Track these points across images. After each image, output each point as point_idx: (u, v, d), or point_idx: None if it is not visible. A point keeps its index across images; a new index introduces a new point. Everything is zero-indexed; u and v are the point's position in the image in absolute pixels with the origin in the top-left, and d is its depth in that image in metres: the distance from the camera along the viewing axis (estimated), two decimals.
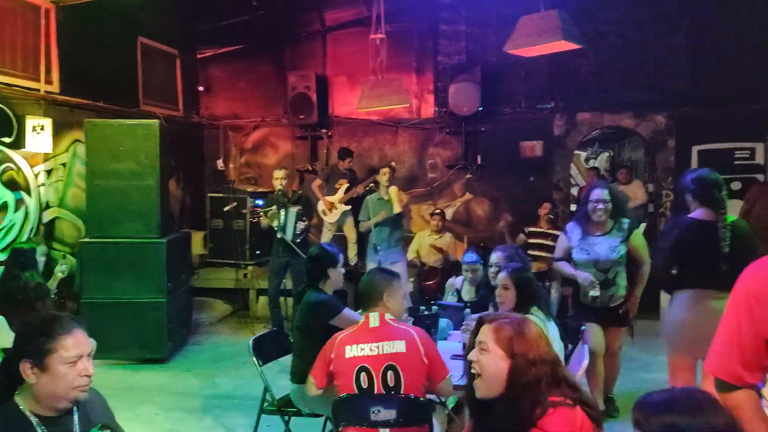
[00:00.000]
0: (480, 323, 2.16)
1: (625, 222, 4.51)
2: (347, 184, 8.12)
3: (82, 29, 7.00)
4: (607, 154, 13.81)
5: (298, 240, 6.90)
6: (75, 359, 2.08)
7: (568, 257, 4.64)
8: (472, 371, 2.10)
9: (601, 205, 4.42)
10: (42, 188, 6.60)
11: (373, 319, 3.14)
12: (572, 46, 5.18)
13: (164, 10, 8.55)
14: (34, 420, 2.08)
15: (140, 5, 7.49)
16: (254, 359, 3.97)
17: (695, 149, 8.38)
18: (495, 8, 8.52)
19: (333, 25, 9.26)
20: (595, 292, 4.42)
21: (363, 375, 3.01)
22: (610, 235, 4.48)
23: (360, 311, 3.30)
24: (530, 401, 1.97)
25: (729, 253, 3.66)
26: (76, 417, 2.19)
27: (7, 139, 6.09)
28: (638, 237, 4.55)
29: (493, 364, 2.04)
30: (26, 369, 2.06)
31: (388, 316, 3.16)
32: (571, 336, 4.23)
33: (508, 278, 3.62)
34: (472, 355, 2.10)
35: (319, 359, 3.21)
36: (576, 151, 10.72)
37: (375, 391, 2.98)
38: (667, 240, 3.93)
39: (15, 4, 6.18)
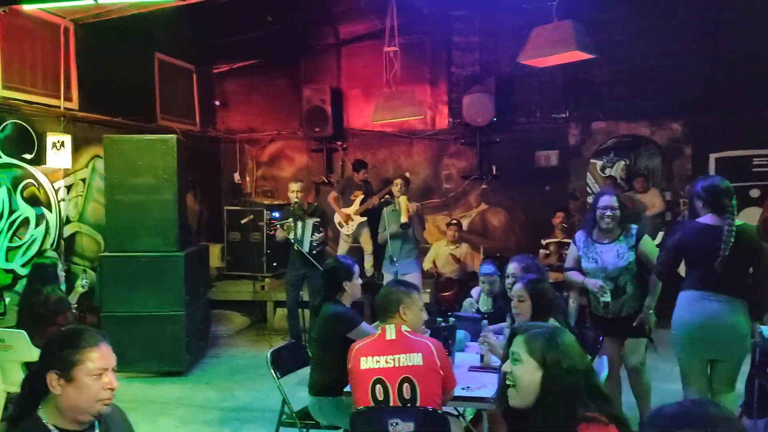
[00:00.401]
0: (513, 334, 2.17)
1: (633, 228, 4.43)
2: (362, 196, 8.14)
3: (100, 47, 7.11)
4: (623, 162, 13.72)
5: (315, 252, 6.92)
6: (100, 372, 2.10)
7: (578, 266, 4.55)
8: (507, 382, 2.10)
9: (609, 212, 4.34)
10: (62, 203, 6.69)
11: (390, 331, 3.14)
12: (585, 56, 5.20)
13: (180, 26, 8.67)
14: None
15: (157, 22, 7.59)
16: (272, 371, 3.98)
17: (712, 156, 8.32)
18: (508, 19, 8.56)
19: (347, 38, 9.34)
20: (606, 298, 4.30)
21: (378, 387, 3.01)
22: (617, 242, 4.39)
23: (377, 323, 3.30)
24: (565, 411, 1.97)
25: (728, 258, 3.77)
26: (97, 431, 2.21)
27: (28, 156, 6.19)
28: (648, 243, 4.43)
29: (526, 375, 2.05)
30: (53, 380, 2.08)
31: (404, 328, 3.16)
32: (590, 347, 4.21)
33: (524, 289, 3.61)
34: (506, 366, 2.11)
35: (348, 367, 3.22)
36: (592, 160, 10.68)
37: (391, 404, 2.98)
38: (671, 239, 4.15)
39: (35, 23, 6.30)
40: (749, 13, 7.97)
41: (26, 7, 5.54)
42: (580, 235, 4.56)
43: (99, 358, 2.12)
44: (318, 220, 7.04)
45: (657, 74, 8.39)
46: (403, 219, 6.88)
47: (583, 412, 1.95)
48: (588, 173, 10.52)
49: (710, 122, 8.28)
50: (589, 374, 2.07)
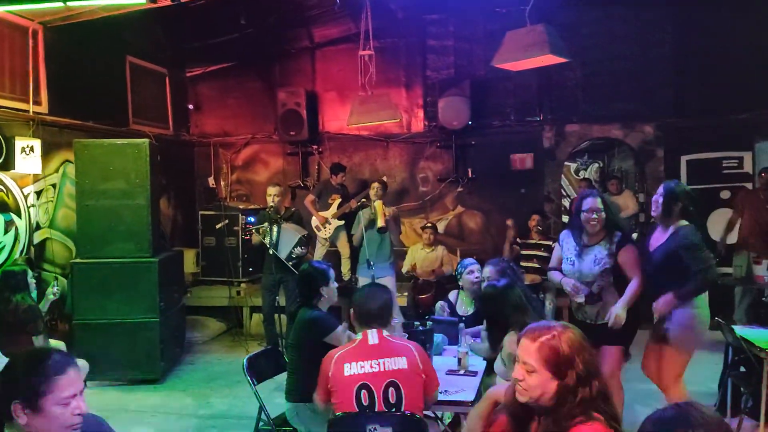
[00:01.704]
0: (520, 336, 2.15)
1: (618, 236, 4.27)
2: (340, 200, 8.12)
3: (70, 49, 6.99)
4: (597, 164, 13.89)
5: (290, 263, 6.83)
6: (69, 399, 2.02)
7: (560, 266, 4.49)
8: (518, 386, 2.09)
9: (594, 215, 4.22)
10: (32, 209, 6.56)
11: (372, 336, 3.10)
12: (559, 59, 5.24)
13: (152, 29, 8.56)
14: None
15: (128, 25, 7.49)
16: (248, 378, 3.94)
17: (684, 159, 8.46)
18: (482, 23, 8.62)
19: (321, 41, 9.31)
20: (579, 299, 4.25)
21: (364, 392, 2.98)
22: (598, 246, 4.26)
23: (356, 327, 3.24)
24: (576, 415, 1.99)
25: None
26: None
27: None
28: (626, 251, 4.24)
29: (540, 386, 2.04)
30: (17, 410, 1.99)
31: (385, 333, 3.14)
32: None
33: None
34: (518, 374, 2.08)
35: (320, 376, 3.18)
36: (566, 163, 10.78)
37: (376, 408, 2.96)
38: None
39: (2, 25, 6.17)
40: (721, 17, 8.13)
41: None
42: (565, 236, 4.48)
43: (67, 385, 2.02)
44: (305, 233, 6.96)
45: (629, 77, 8.51)
46: (380, 224, 6.89)
47: (591, 413, 1.98)
48: (562, 175, 10.63)
49: (682, 125, 8.42)
50: (597, 374, 2.06)
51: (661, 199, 4.21)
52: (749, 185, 8.06)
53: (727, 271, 7.63)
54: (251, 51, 9.18)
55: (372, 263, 6.74)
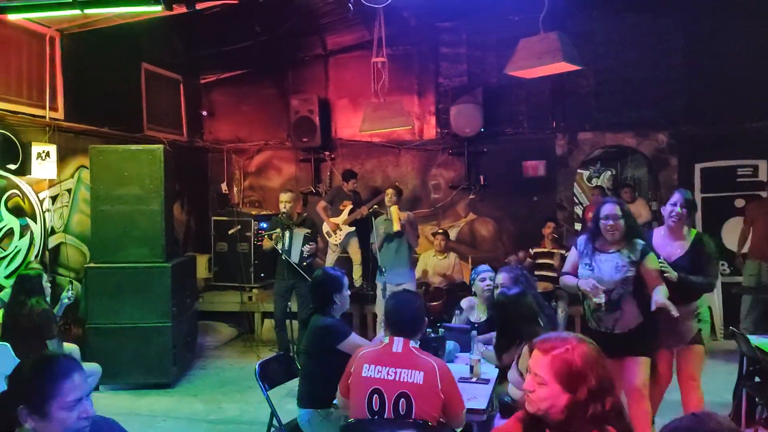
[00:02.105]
0: (531, 347, 2.13)
1: (640, 243, 4.09)
2: (351, 206, 8.14)
3: (86, 56, 7.07)
4: (609, 172, 13.83)
5: (304, 263, 6.88)
6: (74, 403, 2.03)
7: (575, 272, 4.29)
8: (528, 397, 2.08)
9: (611, 222, 4.05)
10: (47, 214, 6.62)
11: (397, 344, 3.07)
12: (572, 67, 5.25)
13: (167, 36, 8.64)
14: None
15: (144, 32, 7.57)
16: (260, 384, 3.95)
17: (698, 167, 8.40)
18: (495, 31, 8.63)
19: (335, 49, 9.35)
20: (599, 299, 3.98)
21: (375, 397, 2.98)
22: (619, 254, 4.09)
23: (384, 333, 3.23)
24: (586, 428, 1.97)
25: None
26: None
27: (12, 166, 6.12)
28: (653, 260, 4.07)
29: (550, 398, 2.02)
30: (23, 416, 2.00)
31: (412, 344, 3.11)
32: None
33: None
34: (529, 386, 2.07)
35: (346, 368, 3.18)
36: (579, 170, 10.75)
37: (385, 416, 2.95)
38: None
39: (20, 33, 6.25)
40: (734, 23, 8.09)
41: (11, 17, 5.49)
42: (582, 240, 4.31)
43: (71, 389, 2.03)
44: (309, 231, 7.00)
45: (643, 85, 8.48)
46: (396, 227, 6.86)
47: (605, 428, 1.96)
48: (575, 183, 10.59)
49: (696, 133, 8.37)
50: (611, 390, 2.02)
51: (683, 210, 4.28)
52: (764, 194, 7.99)
53: (739, 280, 7.58)
54: (265, 58, 9.25)
55: (384, 270, 6.74)
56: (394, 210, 6.96)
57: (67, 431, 2.04)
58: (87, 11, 4.96)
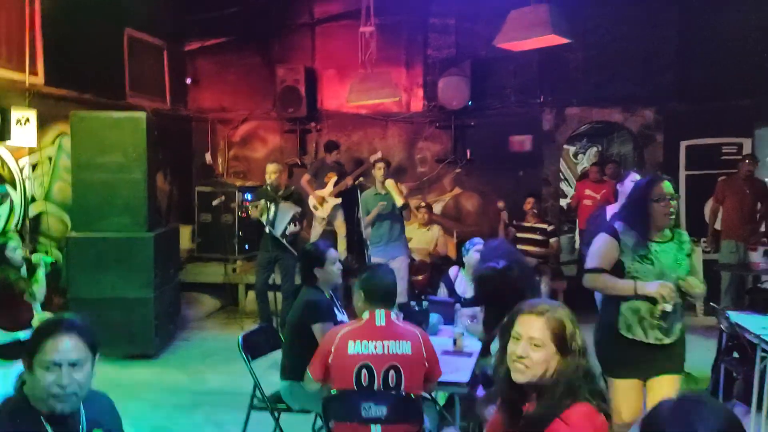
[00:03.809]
0: (517, 313, 2.13)
1: (684, 234, 3.50)
2: (336, 178, 8.07)
3: (68, 19, 6.88)
4: (595, 148, 13.85)
5: (284, 240, 6.80)
6: (49, 365, 2.02)
7: (612, 268, 3.41)
8: (519, 365, 2.06)
9: (670, 202, 3.34)
10: (27, 182, 6.50)
11: (380, 317, 3.08)
12: (562, 40, 5.20)
13: (152, 1, 8.44)
14: (42, 417, 2.07)
15: None
16: (243, 355, 3.93)
17: (683, 144, 8.43)
18: (485, 1, 8.48)
19: (322, 17, 9.21)
20: (669, 306, 3.20)
21: (364, 372, 2.98)
22: (674, 245, 3.42)
23: (362, 307, 3.21)
24: (574, 393, 2.01)
25: None
26: (83, 417, 2.16)
27: None
28: (695, 255, 3.63)
29: (545, 361, 2.04)
30: (23, 364, 2.09)
31: (393, 315, 3.14)
32: None
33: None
34: (521, 350, 2.06)
35: (317, 353, 3.18)
36: (565, 146, 10.74)
37: (375, 389, 2.96)
38: None
39: None
40: (723, 1, 8.04)
41: None
42: (624, 229, 3.42)
43: (51, 350, 2.03)
44: (299, 210, 6.91)
45: (631, 61, 8.44)
46: (401, 201, 6.72)
47: (585, 393, 2.01)
48: (561, 159, 10.59)
49: (682, 109, 8.37)
50: (587, 353, 2.11)
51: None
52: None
53: (715, 258, 7.65)
54: (251, 26, 9.08)
55: (369, 245, 6.71)
56: (390, 184, 6.84)
57: (43, 391, 2.04)
58: None
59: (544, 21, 5.09)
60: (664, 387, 3.31)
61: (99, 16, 7.40)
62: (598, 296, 4.72)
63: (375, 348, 2.99)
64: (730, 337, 4.74)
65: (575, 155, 14.41)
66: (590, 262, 3.47)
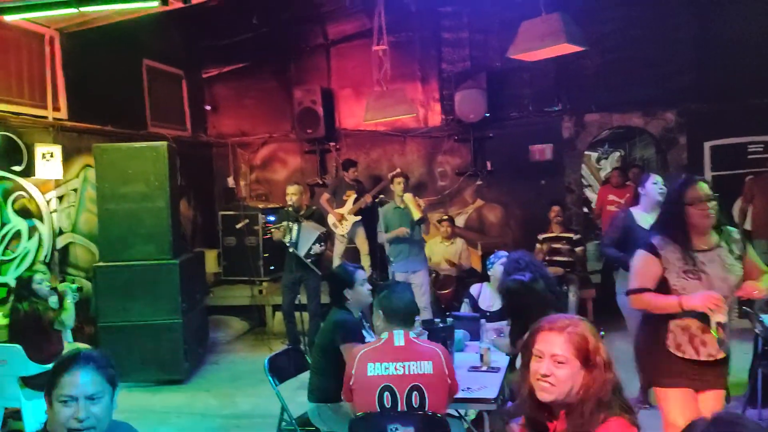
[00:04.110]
0: (537, 331, 2.09)
1: (734, 230, 3.24)
2: (355, 195, 8.09)
3: (87, 55, 7.04)
4: (618, 153, 13.72)
5: (308, 261, 6.82)
6: (66, 399, 2.04)
7: (655, 285, 3.14)
8: (544, 384, 2.02)
9: (709, 204, 3.08)
10: (54, 214, 6.63)
11: (398, 337, 3.05)
12: (576, 48, 5.18)
13: (168, 31, 8.60)
14: None
15: (144, 28, 7.52)
16: (270, 379, 3.94)
17: (707, 145, 8.29)
18: (497, 13, 8.50)
19: (336, 38, 9.29)
20: (722, 317, 2.93)
21: (386, 395, 2.95)
22: (721, 250, 3.14)
23: (381, 327, 3.20)
24: (604, 408, 1.96)
25: None
26: None
27: (17, 168, 6.13)
28: (752, 250, 3.33)
29: (571, 378, 2.00)
30: (46, 401, 2.10)
31: (412, 335, 3.10)
32: None
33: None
34: (545, 369, 2.01)
35: (345, 373, 3.16)
36: (586, 152, 10.65)
37: (399, 410, 2.93)
38: None
39: (19, 33, 6.23)
40: None
41: (8, 18, 5.46)
42: (662, 243, 3.15)
43: (67, 384, 2.05)
44: (324, 231, 6.94)
45: (649, 64, 8.35)
46: (418, 215, 6.72)
47: (617, 407, 1.96)
48: (583, 165, 10.51)
49: (704, 110, 8.24)
50: (612, 365, 2.05)
51: (666, 185, 4.42)
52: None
53: None
54: (266, 50, 9.19)
55: (392, 260, 6.70)
56: (408, 198, 6.84)
57: (60, 426, 2.04)
58: (83, 9, 4.92)
59: (557, 30, 5.07)
60: (709, 403, 3.13)
61: (117, 50, 7.55)
62: (621, 303, 4.66)
63: (395, 369, 2.95)
64: (766, 341, 4.62)
65: (598, 161, 14.28)
66: (632, 283, 3.23)
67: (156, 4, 4.99)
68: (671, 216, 3.20)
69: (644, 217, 4.69)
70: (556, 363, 2.01)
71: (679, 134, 8.44)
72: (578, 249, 7.46)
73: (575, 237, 7.49)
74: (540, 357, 2.04)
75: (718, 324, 2.93)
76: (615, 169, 9.58)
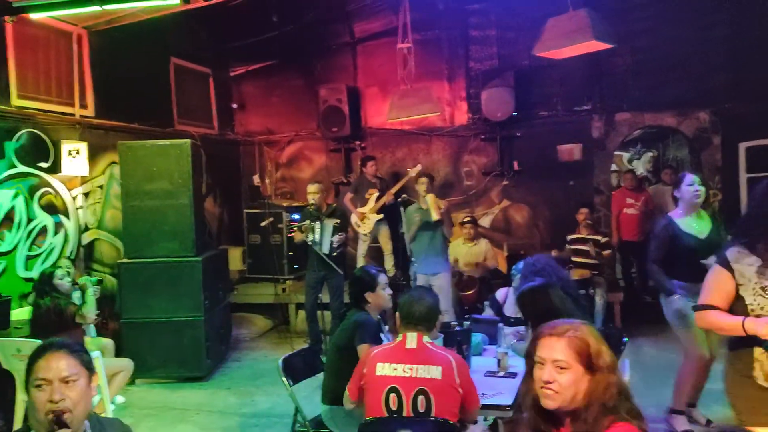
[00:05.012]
0: (537, 338, 2.06)
1: None
2: (377, 193, 8.03)
3: (114, 53, 7.10)
4: (650, 154, 13.39)
5: (335, 254, 6.84)
6: (41, 382, 2.05)
7: (726, 303, 2.77)
8: (547, 391, 1.98)
9: None
10: (80, 211, 6.70)
11: (411, 339, 3.01)
12: (604, 45, 5.04)
13: (195, 30, 8.65)
14: None
15: (171, 26, 7.57)
16: (284, 379, 3.90)
17: (742, 146, 8.03)
18: (525, 11, 8.34)
19: (362, 36, 9.24)
20: None
21: (392, 396, 2.91)
22: None
23: (400, 329, 3.15)
24: (609, 412, 1.93)
25: None
26: None
27: (44, 164, 6.21)
28: None
29: (574, 383, 1.96)
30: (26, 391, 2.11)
31: (426, 339, 3.04)
32: (613, 348, 4.02)
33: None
34: (547, 375, 1.98)
35: (355, 371, 3.14)
36: (618, 152, 10.43)
37: (404, 414, 2.87)
38: None
39: (48, 31, 6.31)
40: None
41: (33, 16, 5.53)
42: (737, 255, 2.76)
43: (42, 368, 2.06)
44: (338, 221, 6.94)
45: (682, 62, 8.11)
46: (435, 217, 6.64)
47: (623, 411, 1.93)
48: (614, 166, 10.28)
49: (739, 110, 7.97)
50: (617, 367, 2.03)
51: (703, 187, 4.43)
52: None
53: None
54: (292, 48, 9.18)
55: (414, 260, 6.63)
56: (431, 199, 6.76)
57: (40, 413, 2.03)
58: (106, 7, 4.94)
59: (584, 27, 4.95)
60: None
61: (145, 48, 7.61)
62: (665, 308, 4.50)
63: (403, 371, 2.91)
64: None
65: (630, 161, 13.97)
66: (701, 297, 2.88)
67: (177, 1, 5.00)
68: (755, 223, 2.78)
69: (687, 222, 4.49)
70: (558, 369, 1.98)
71: (714, 134, 8.20)
72: (606, 251, 7.29)
73: (603, 239, 7.33)
74: (542, 364, 2.01)
75: None
76: (628, 171, 9.41)
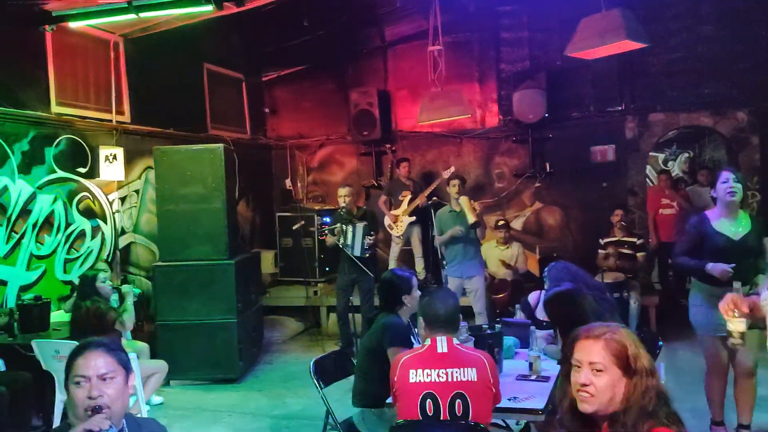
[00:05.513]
0: (574, 340, 2.04)
1: None
2: (410, 195, 8.03)
3: (149, 59, 7.25)
4: (686, 155, 13.14)
5: (366, 255, 6.85)
6: (79, 379, 2.09)
7: None
8: (584, 394, 1.96)
9: None
10: (117, 215, 6.84)
11: (441, 343, 2.98)
12: (637, 45, 4.99)
13: (228, 36, 8.77)
14: None
15: (205, 33, 7.69)
16: (315, 381, 3.92)
17: None
18: (557, 12, 8.28)
19: (393, 40, 9.26)
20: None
21: (429, 402, 2.88)
22: None
23: (425, 333, 3.14)
24: (648, 417, 1.90)
25: None
26: None
27: (82, 169, 6.36)
28: None
29: (611, 386, 1.94)
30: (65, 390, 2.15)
31: (455, 341, 3.03)
32: (648, 352, 3.95)
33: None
34: (584, 378, 1.96)
35: (390, 380, 3.11)
36: (653, 153, 10.27)
37: (441, 419, 2.86)
38: None
39: (86, 40, 6.47)
40: None
41: (72, 25, 5.67)
42: None
43: (80, 366, 2.11)
44: (367, 223, 6.97)
45: (718, 61, 7.96)
46: (472, 219, 6.54)
47: (662, 416, 1.89)
48: (648, 167, 10.12)
49: None
50: (655, 371, 1.99)
51: (737, 184, 4.12)
52: None
53: None
54: (324, 53, 9.25)
55: (445, 264, 6.60)
56: (465, 201, 6.71)
57: (79, 409, 2.07)
58: (142, 15, 5.06)
59: (617, 26, 4.90)
60: None
61: (179, 55, 7.74)
62: (694, 321, 4.37)
63: (438, 376, 2.88)
64: None
65: (665, 162, 13.73)
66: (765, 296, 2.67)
67: (210, 8, 5.08)
68: None
69: (722, 222, 4.24)
70: (594, 371, 1.95)
71: (751, 134, 8.03)
72: (640, 254, 7.18)
73: (638, 242, 7.22)
74: (579, 366, 1.98)
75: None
76: (661, 172, 9.25)
